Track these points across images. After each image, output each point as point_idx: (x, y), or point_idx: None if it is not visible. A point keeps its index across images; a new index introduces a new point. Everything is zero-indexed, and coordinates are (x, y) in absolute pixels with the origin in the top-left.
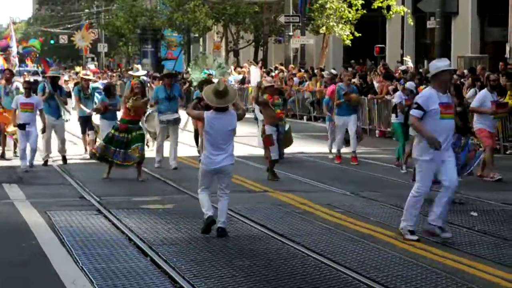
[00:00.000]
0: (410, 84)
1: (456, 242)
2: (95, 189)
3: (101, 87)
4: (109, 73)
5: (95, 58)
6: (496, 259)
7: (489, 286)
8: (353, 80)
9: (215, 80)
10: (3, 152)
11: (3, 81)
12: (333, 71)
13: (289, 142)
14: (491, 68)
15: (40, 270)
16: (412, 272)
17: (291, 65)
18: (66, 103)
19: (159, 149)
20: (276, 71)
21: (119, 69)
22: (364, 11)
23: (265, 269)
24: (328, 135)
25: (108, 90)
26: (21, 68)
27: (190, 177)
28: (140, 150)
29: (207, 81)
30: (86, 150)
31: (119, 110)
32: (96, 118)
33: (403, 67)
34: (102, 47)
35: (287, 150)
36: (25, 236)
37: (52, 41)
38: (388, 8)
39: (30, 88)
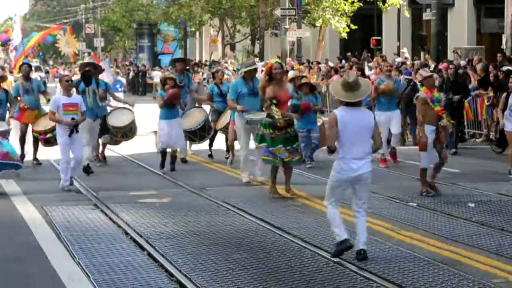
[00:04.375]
0: None
1: (453, 233)
2: (92, 184)
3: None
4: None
5: (92, 53)
6: (493, 250)
7: (486, 276)
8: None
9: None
10: (34, 157)
11: (21, 79)
12: (331, 64)
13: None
14: (487, 60)
15: (36, 265)
16: (409, 264)
17: (288, 58)
18: (105, 98)
19: (246, 160)
20: None
21: (115, 63)
22: (360, 4)
23: (262, 262)
24: None
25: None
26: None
27: (187, 171)
28: (301, 150)
29: (169, 78)
30: (98, 156)
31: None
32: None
33: (399, 59)
34: (99, 42)
35: None
36: (21, 231)
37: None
38: (384, 0)
39: (70, 84)
